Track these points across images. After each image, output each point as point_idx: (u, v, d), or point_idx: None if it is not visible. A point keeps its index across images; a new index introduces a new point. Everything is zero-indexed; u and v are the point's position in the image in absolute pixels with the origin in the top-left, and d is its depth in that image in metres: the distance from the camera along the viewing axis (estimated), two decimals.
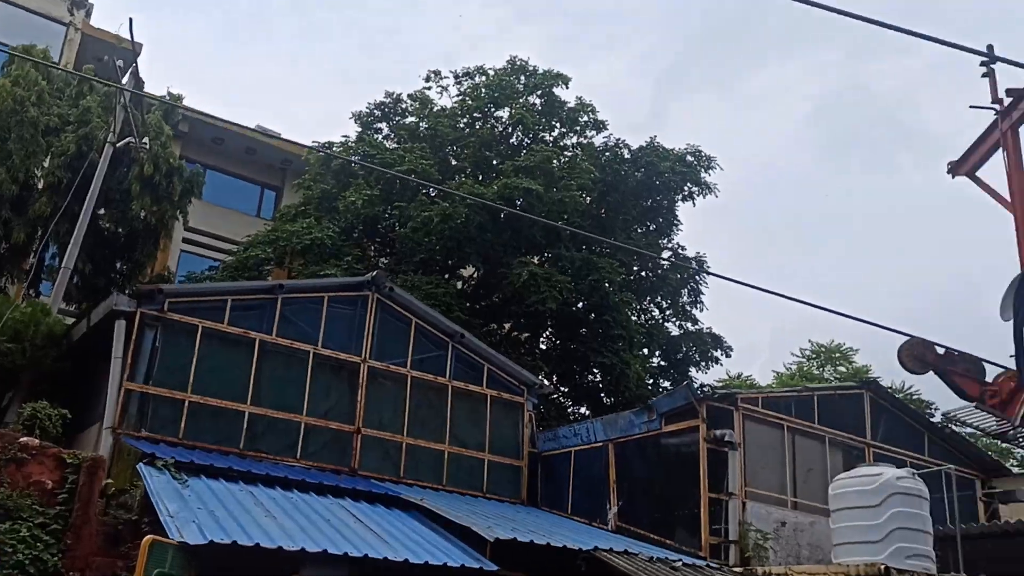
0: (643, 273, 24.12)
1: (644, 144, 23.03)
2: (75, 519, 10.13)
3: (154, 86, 25.00)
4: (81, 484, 10.35)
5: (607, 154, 23.16)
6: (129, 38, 17.56)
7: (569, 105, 23.35)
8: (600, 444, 15.00)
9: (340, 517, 11.46)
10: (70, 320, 15.60)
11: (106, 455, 11.46)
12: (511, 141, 23.29)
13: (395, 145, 23.13)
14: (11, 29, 20.92)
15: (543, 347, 23.70)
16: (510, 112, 22.79)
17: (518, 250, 21.23)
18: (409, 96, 23.90)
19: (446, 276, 22.25)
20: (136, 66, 16.20)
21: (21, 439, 10.56)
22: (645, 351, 23.34)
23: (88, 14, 22.88)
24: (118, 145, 16.49)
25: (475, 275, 23.19)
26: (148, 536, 9.09)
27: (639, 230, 23.56)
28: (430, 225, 20.31)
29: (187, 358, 12.97)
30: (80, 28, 22.52)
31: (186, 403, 12.73)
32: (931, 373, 10.53)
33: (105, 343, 12.84)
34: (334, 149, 23.15)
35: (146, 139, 16.64)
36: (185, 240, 23.42)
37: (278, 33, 68.53)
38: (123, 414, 12.22)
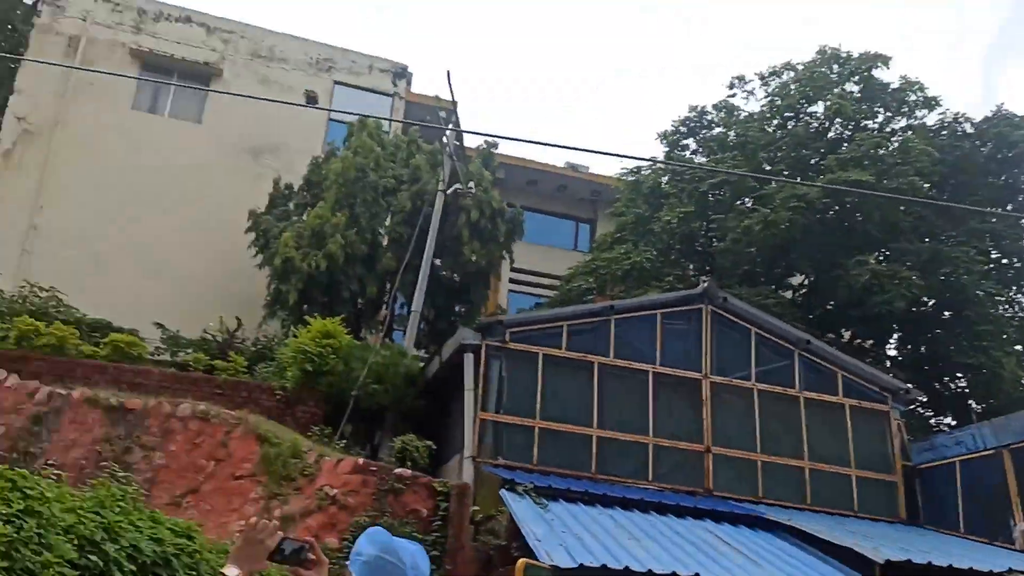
0: (1003, 260, 21.20)
1: (989, 115, 20.39)
2: (450, 545, 10.49)
3: (468, 139, 26.64)
4: (452, 511, 10.73)
5: (944, 133, 20.83)
6: (446, 99, 18.74)
7: (892, 86, 21.35)
8: (991, 451, 13.03)
9: (704, 539, 10.88)
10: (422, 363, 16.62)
11: (469, 483, 11.81)
12: (829, 136, 21.71)
13: (704, 159, 22.55)
14: (346, 106, 23.33)
15: (891, 353, 21.60)
16: (825, 105, 21.27)
17: (851, 250, 19.56)
18: (714, 107, 23.21)
19: (773, 287, 21.09)
20: (456, 116, 17.16)
21: (396, 470, 11.20)
22: (1020, 347, 20.35)
23: (409, 83, 24.96)
24: (448, 193, 17.49)
25: (805, 282, 21.75)
26: (521, 560, 9.11)
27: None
28: (751, 234, 19.46)
29: (532, 385, 13.17)
30: (403, 96, 24.60)
31: (536, 429, 12.89)
32: None
33: (456, 377, 13.43)
34: (642, 172, 23.08)
35: (471, 183, 17.52)
36: (511, 280, 24.37)
37: (572, 74, 70.78)
38: (480, 443, 12.60)
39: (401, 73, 24.85)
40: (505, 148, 21.90)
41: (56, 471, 7.46)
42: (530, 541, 9.67)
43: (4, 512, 5.84)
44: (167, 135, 22.71)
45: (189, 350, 17.40)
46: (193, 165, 22.23)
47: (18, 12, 29.52)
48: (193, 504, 11.17)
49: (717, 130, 23.10)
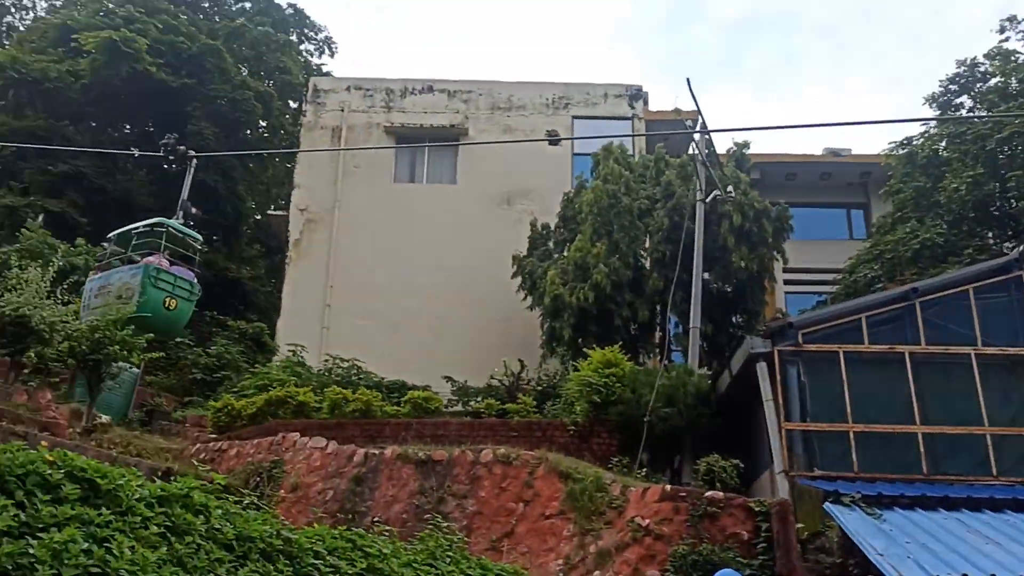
0: None
1: None
2: (780, 567, 9.75)
3: (717, 144, 25.87)
4: (776, 531, 10.00)
5: None
6: (686, 109, 18.35)
7: None
8: None
9: None
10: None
11: (788, 500, 11.00)
12: None
13: (985, 114, 20.20)
14: (589, 134, 23.58)
15: None
16: None
17: None
18: (985, 56, 20.80)
19: None
20: (703, 122, 16.59)
21: (707, 494, 10.68)
22: None
23: (645, 102, 24.77)
24: (706, 201, 16.88)
25: None
26: None
27: None
28: None
29: (836, 387, 12.13)
30: (642, 117, 24.43)
31: (850, 434, 11.81)
32: None
33: (750, 389, 12.71)
34: (914, 143, 21.13)
35: (730, 187, 16.80)
36: (786, 282, 23.11)
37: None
38: (790, 456, 11.75)
39: (636, 94, 24.72)
40: (757, 146, 20.95)
41: (385, 527, 7.77)
42: (871, 556, 8.74)
43: (349, 572, 6.07)
44: (428, 200, 24.08)
45: (479, 398, 18.00)
46: (454, 223, 23.36)
47: (287, 116, 33.02)
48: (511, 547, 11.30)
49: (994, 80, 20.65)
